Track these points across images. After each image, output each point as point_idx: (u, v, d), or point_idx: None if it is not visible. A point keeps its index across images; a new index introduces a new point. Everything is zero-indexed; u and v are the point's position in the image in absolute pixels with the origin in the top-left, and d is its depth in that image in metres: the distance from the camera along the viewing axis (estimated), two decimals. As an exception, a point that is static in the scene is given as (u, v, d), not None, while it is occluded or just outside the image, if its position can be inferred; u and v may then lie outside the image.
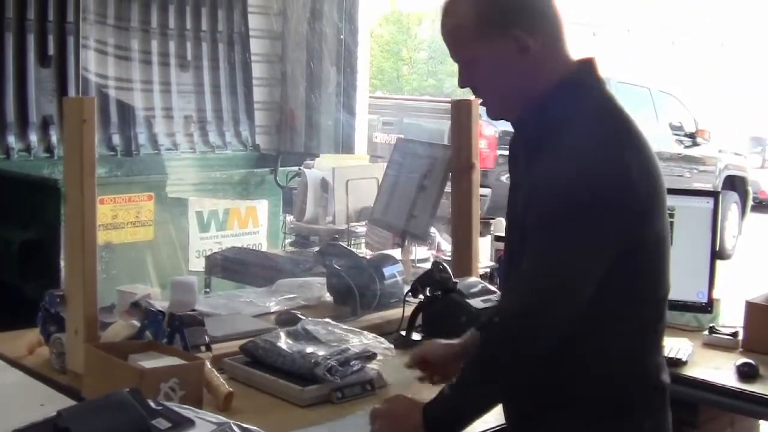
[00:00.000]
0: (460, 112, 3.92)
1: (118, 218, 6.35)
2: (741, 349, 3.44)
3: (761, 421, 3.79)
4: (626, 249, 2.23)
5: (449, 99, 5.85)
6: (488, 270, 4.16)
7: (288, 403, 2.74)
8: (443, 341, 2.75)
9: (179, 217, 6.72)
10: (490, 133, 9.93)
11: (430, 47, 31.23)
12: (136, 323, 2.93)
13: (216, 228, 6.94)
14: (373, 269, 3.73)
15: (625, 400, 2.32)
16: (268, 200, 7.12)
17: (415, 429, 2.29)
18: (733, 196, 13.20)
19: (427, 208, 4.09)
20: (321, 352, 2.83)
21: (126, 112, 7.90)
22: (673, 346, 3.33)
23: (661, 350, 2.42)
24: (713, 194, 3.70)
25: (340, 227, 5.00)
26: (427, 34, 31.55)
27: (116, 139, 7.81)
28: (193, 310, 2.95)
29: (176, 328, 2.81)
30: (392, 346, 3.07)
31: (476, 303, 3.32)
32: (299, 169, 5.59)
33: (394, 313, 3.56)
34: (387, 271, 3.75)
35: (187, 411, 2.11)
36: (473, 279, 3.66)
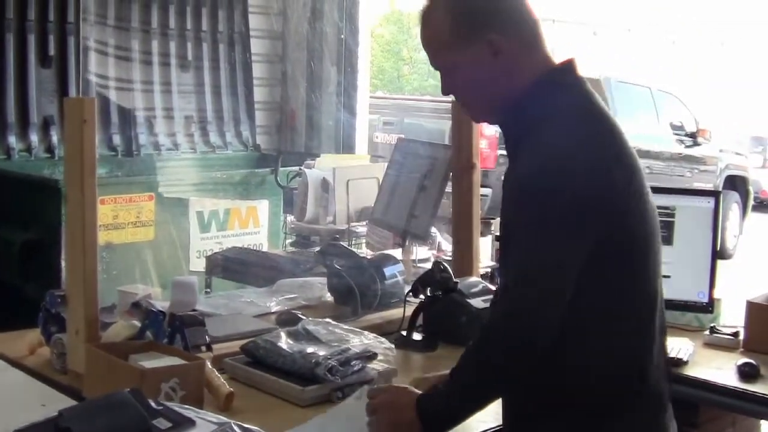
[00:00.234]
0: (461, 112, 3.91)
1: (119, 218, 6.35)
2: (742, 349, 3.44)
3: (762, 421, 3.79)
4: (608, 246, 2.23)
5: (450, 99, 5.85)
6: (489, 270, 4.16)
7: (288, 403, 2.74)
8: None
9: (180, 217, 6.72)
10: (490, 132, 9.93)
11: (431, 47, 31.17)
12: (137, 323, 2.93)
13: (217, 228, 6.94)
14: (373, 269, 3.73)
15: (614, 402, 2.31)
16: (268, 200, 7.13)
17: (411, 422, 2.30)
18: (734, 195, 13.20)
19: (427, 208, 4.09)
20: (322, 352, 2.83)
21: (126, 112, 7.91)
22: (674, 345, 3.33)
23: (657, 354, 2.39)
24: (714, 194, 3.69)
25: (341, 227, 5.00)
26: (427, 34, 31.49)
27: (117, 139, 7.82)
28: (194, 310, 2.95)
29: (177, 328, 2.81)
30: (393, 346, 3.08)
31: (477, 303, 3.33)
32: (300, 169, 5.60)
33: (395, 313, 3.55)
34: (388, 271, 3.75)
35: (187, 411, 2.11)
36: (474, 279, 3.66)
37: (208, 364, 2.70)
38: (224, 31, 8.63)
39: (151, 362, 2.59)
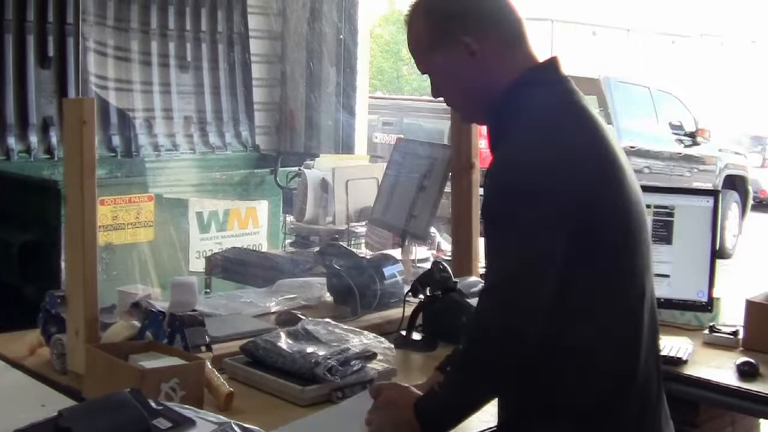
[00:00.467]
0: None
1: (119, 219, 6.35)
2: (741, 348, 3.44)
3: (762, 420, 3.79)
4: (584, 241, 2.23)
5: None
6: (488, 269, 4.15)
7: (288, 403, 2.74)
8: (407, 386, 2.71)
9: (179, 217, 6.72)
10: (489, 133, 9.92)
11: (430, 47, 31.17)
12: (137, 324, 2.93)
13: (216, 228, 6.94)
14: (373, 269, 3.73)
15: (601, 403, 2.31)
16: (268, 201, 7.13)
17: (410, 423, 2.32)
18: (734, 195, 13.20)
19: (427, 208, 4.09)
20: (321, 352, 2.83)
21: (126, 113, 7.90)
22: (674, 345, 3.33)
23: (647, 354, 2.38)
24: (713, 193, 3.69)
25: (340, 227, 5.00)
26: (426, 35, 31.49)
27: (116, 140, 7.81)
28: (194, 311, 2.95)
29: (177, 328, 2.81)
30: (392, 345, 3.08)
31: (476, 302, 3.32)
32: (299, 169, 5.60)
33: (395, 312, 3.55)
34: (387, 271, 3.75)
35: (187, 411, 2.11)
36: (473, 278, 3.66)
37: (208, 364, 2.70)
38: (223, 32, 8.63)
39: (151, 362, 2.59)
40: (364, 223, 4.91)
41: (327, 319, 3.19)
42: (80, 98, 6.57)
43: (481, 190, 4.01)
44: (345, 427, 2.51)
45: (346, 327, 3.13)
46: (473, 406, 2.33)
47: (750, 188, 13.90)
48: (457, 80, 2.43)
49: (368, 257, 4.01)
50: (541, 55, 2.43)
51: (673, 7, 26.43)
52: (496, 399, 2.44)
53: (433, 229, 4.53)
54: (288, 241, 5.45)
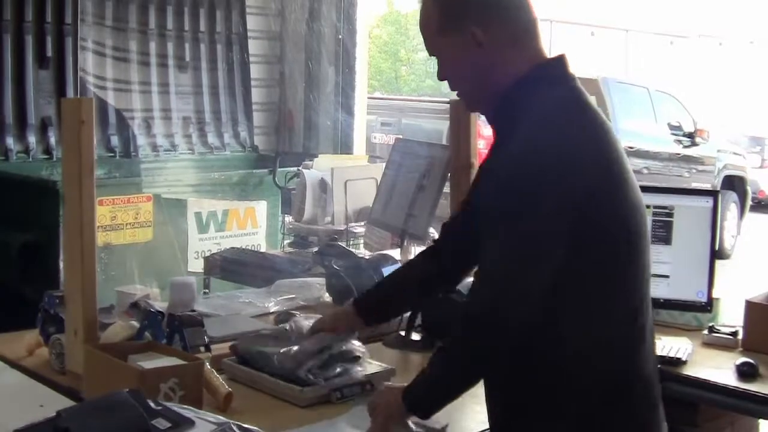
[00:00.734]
0: (459, 112, 3.92)
1: (117, 219, 6.35)
2: (741, 349, 3.44)
3: (761, 420, 3.79)
4: (585, 242, 2.23)
5: (447, 99, 5.85)
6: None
7: (287, 404, 2.74)
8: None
9: (178, 218, 6.72)
10: (488, 133, 9.89)
11: (429, 48, 31.19)
12: (136, 324, 2.93)
13: (215, 229, 6.94)
14: (372, 269, 3.72)
15: (600, 403, 2.31)
16: (266, 201, 7.13)
17: (396, 403, 2.38)
18: (732, 195, 13.20)
19: (425, 208, 4.09)
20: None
21: (124, 113, 7.90)
22: (673, 345, 3.33)
23: (646, 355, 2.39)
24: (713, 193, 3.69)
25: (339, 227, 5.00)
26: (425, 35, 31.50)
27: (115, 140, 7.81)
28: (193, 311, 2.95)
29: (175, 328, 2.81)
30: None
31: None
32: (298, 169, 5.60)
33: (394, 313, 3.55)
34: (386, 271, 3.74)
35: (186, 411, 2.10)
36: (472, 279, 3.65)
37: (207, 364, 2.70)
38: (222, 32, 8.63)
39: (150, 363, 2.59)
40: (362, 223, 4.91)
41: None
42: (78, 98, 6.57)
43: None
44: None
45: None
46: (459, 388, 2.35)
47: (749, 189, 13.90)
48: (462, 68, 2.44)
49: (367, 257, 4.01)
50: (547, 51, 2.44)
51: (672, 8, 26.43)
52: (486, 399, 2.45)
53: (431, 230, 4.53)
54: (287, 241, 5.45)
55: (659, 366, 2.52)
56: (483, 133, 9.59)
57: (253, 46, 8.91)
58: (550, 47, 2.44)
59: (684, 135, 12.91)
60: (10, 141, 7.16)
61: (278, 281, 4.08)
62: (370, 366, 2.96)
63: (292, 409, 2.71)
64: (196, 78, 8.46)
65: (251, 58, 8.85)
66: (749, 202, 13.97)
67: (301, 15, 9.03)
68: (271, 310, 3.71)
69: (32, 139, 7.27)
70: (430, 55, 2.52)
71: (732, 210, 13.12)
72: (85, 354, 2.72)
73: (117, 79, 7.89)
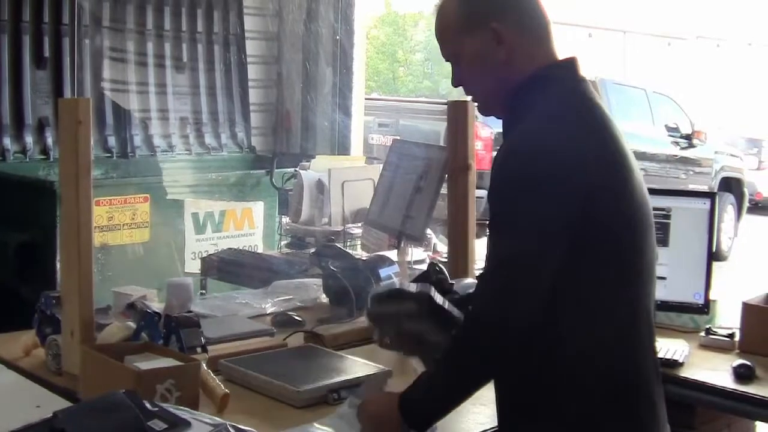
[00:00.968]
0: (456, 114, 3.92)
1: (114, 220, 6.35)
2: (738, 351, 3.44)
3: (758, 423, 3.79)
4: (586, 241, 2.24)
5: (445, 100, 5.85)
6: (485, 271, 4.14)
7: (284, 404, 2.74)
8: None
9: (175, 218, 6.72)
10: (485, 134, 9.94)
11: (426, 49, 31.32)
12: (132, 325, 2.93)
13: (212, 229, 6.94)
14: (369, 270, 3.72)
15: (600, 405, 2.31)
16: (263, 202, 7.13)
17: (392, 413, 2.35)
18: (729, 197, 13.21)
19: (423, 210, 4.08)
20: None
21: (122, 113, 7.89)
22: (670, 347, 3.33)
23: (646, 356, 2.39)
24: (710, 195, 3.70)
25: (336, 229, 5.00)
26: (422, 36, 31.62)
27: (112, 140, 7.80)
28: (189, 312, 2.95)
29: (172, 329, 2.81)
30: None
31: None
32: (295, 170, 5.60)
33: (391, 314, 3.54)
34: (383, 272, 3.75)
35: (183, 412, 2.10)
36: (470, 280, 3.64)
37: (204, 365, 2.70)
38: (219, 33, 8.62)
39: (147, 363, 2.59)
40: (359, 224, 4.91)
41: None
42: (76, 98, 6.57)
43: (477, 192, 4.02)
44: None
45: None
46: (460, 394, 2.34)
47: (746, 190, 13.90)
48: (480, 67, 2.44)
49: (364, 258, 4.01)
50: (561, 53, 2.46)
51: (669, 10, 26.45)
52: (496, 399, 2.44)
53: (429, 231, 4.53)
54: (284, 242, 5.45)
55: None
56: (480, 134, 9.63)
57: (251, 47, 8.90)
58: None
59: (681, 137, 12.93)
60: (7, 141, 7.15)
61: (275, 282, 4.08)
62: (367, 367, 2.96)
63: (288, 410, 2.71)
64: (193, 78, 8.45)
65: (249, 59, 8.84)
66: (746, 204, 13.97)
67: (299, 16, 9.02)
68: (268, 311, 3.72)
69: (29, 139, 7.26)
70: (447, 60, 2.53)
71: (729, 212, 13.13)
72: (81, 355, 2.72)
73: (114, 79, 7.88)
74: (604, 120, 2.36)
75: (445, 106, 4.08)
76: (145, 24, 8.06)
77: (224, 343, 3.16)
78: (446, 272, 3.42)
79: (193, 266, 6.27)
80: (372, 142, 11.16)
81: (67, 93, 7.30)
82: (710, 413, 3.40)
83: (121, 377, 2.49)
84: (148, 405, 2.06)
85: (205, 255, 5.67)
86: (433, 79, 30.49)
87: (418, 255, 4.49)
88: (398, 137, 7.92)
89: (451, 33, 2.47)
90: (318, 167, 5.46)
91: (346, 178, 5.00)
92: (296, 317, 3.60)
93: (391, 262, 3.86)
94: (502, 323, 2.21)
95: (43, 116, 7.35)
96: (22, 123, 7.24)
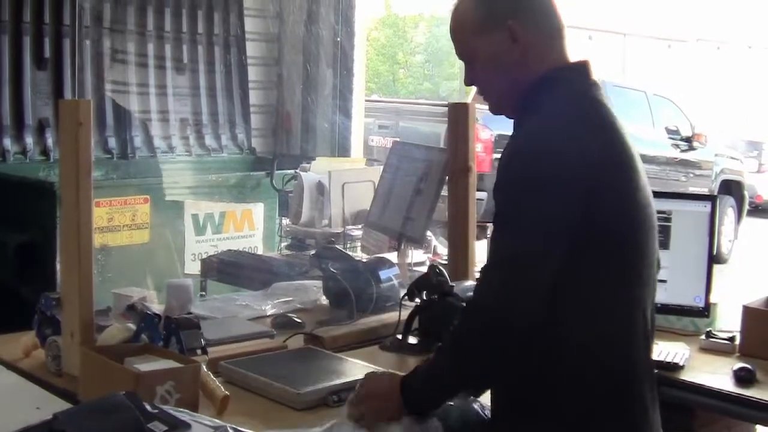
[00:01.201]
0: (457, 116, 3.92)
1: (114, 221, 6.34)
2: (738, 354, 3.44)
3: (758, 426, 3.78)
4: (588, 241, 2.24)
5: (445, 102, 5.85)
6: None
7: (284, 407, 2.74)
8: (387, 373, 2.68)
9: (175, 220, 6.72)
10: (486, 136, 9.93)
11: (426, 51, 31.33)
12: (132, 326, 2.93)
13: (212, 231, 6.94)
14: (369, 272, 3.72)
15: (593, 404, 2.31)
16: (264, 203, 7.12)
17: (396, 404, 2.37)
18: (729, 200, 13.21)
19: (423, 212, 4.09)
20: None
21: (122, 114, 7.89)
22: (670, 350, 3.33)
23: (642, 357, 2.40)
24: (711, 198, 3.70)
25: (336, 230, 5.00)
26: (423, 38, 31.63)
27: (112, 142, 7.80)
28: (189, 313, 2.95)
29: (172, 331, 2.81)
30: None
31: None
32: (295, 172, 5.59)
33: (391, 316, 3.55)
34: (383, 274, 3.75)
35: (183, 414, 2.10)
36: (470, 283, 3.65)
37: (204, 367, 2.69)
38: (220, 34, 8.62)
39: (147, 365, 2.59)
40: (360, 226, 4.91)
41: None
42: (76, 99, 6.57)
43: (477, 194, 4.02)
44: None
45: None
46: (460, 383, 2.37)
47: (746, 193, 13.90)
48: (495, 67, 2.45)
49: (364, 260, 4.01)
50: (573, 56, 2.48)
51: (670, 12, 26.43)
52: (491, 396, 2.44)
53: (429, 233, 4.53)
54: (284, 243, 5.44)
55: (656, 371, 2.52)
56: (481, 136, 9.62)
57: (251, 49, 8.90)
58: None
59: (681, 139, 12.92)
60: (7, 142, 7.15)
61: (275, 284, 4.08)
62: (367, 369, 2.96)
63: (288, 412, 2.71)
64: (193, 80, 8.45)
65: (249, 60, 8.84)
66: (746, 207, 13.96)
67: (299, 17, 9.02)
68: (268, 313, 3.71)
69: (29, 140, 7.26)
70: (460, 58, 2.54)
71: (729, 215, 13.12)
72: (81, 356, 2.72)
73: (115, 80, 7.88)
74: (612, 121, 2.37)
75: (446, 108, 4.08)
76: (145, 25, 8.06)
77: (224, 344, 3.16)
78: (446, 274, 3.43)
79: (193, 268, 6.26)
80: (372, 143, 11.15)
81: (68, 94, 7.30)
82: (710, 416, 3.39)
83: (121, 379, 2.48)
84: (148, 407, 2.06)
85: (205, 256, 5.66)
86: (433, 81, 30.50)
87: (418, 257, 4.48)
88: (398, 139, 7.92)
89: (468, 32, 2.48)
90: (318, 169, 5.45)
91: (347, 179, 5.00)
92: (296, 319, 3.60)
93: (391, 264, 3.86)
94: (502, 322, 2.22)
95: (44, 117, 7.35)
96: (22, 124, 7.24)
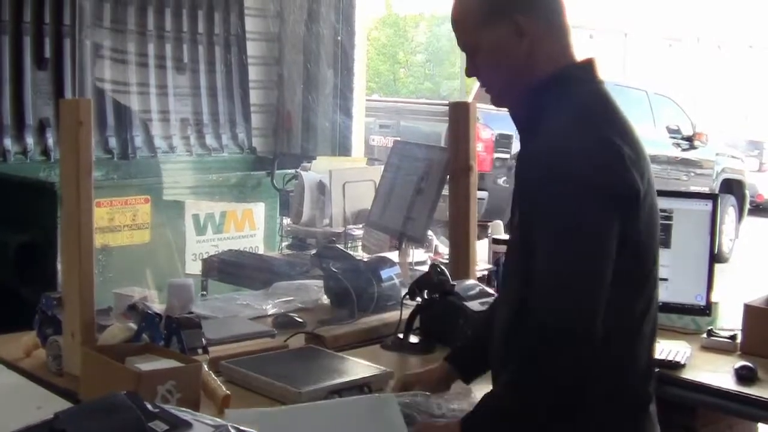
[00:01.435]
0: (458, 115, 3.92)
1: (115, 221, 6.35)
2: (739, 352, 3.43)
3: (760, 424, 3.78)
4: (624, 236, 2.23)
5: (446, 102, 5.84)
6: (486, 273, 4.15)
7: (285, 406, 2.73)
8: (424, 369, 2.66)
9: (176, 219, 6.72)
10: (486, 136, 9.92)
11: (427, 50, 31.34)
12: (133, 326, 2.92)
13: (213, 231, 6.94)
14: (370, 272, 3.72)
15: (593, 402, 2.30)
16: (264, 203, 7.12)
17: None
18: (730, 199, 13.21)
19: (424, 211, 4.08)
20: None
21: (122, 114, 7.90)
22: (672, 349, 3.32)
23: (645, 356, 2.39)
24: (712, 197, 3.69)
25: (337, 230, 5.00)
26: (423, 37, 31.63)
27: (113, 141, 7.80)
28: (190, 313, 2.94)
29: (173, 330, 2.81)
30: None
31: (474, 306, 3.32)
32: (296, 171, 5.58)
33: (392, 315, 3.54)
34: (384, 273, 3.74)
35: (184, 413, 2.10)
36: (471, 282, 3.65)
37: (205, 366, 2.69)
38: (220, 34, 8.62)
39: (148, 365, 2.58)
40: (361, 225, 4.90)
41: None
42: (77, 99, 6.56)
43: (478, 193, 4.02)
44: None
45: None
46: (530, 418, 2.25)
47: (747, 192, 13.90)
48: (499, 59, 2.41)
49: (365, 260, 4.00)
50: (578, 54, 2.46)
51: (671, 11, 26.45)
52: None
53: (430, 232, 4.53)
54: (285, 243, 5.44)
55: (658, 369, 2.52)
56: (482, 136, 9.61)
57: (252, 48, 8.90)
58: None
59: (682, 138, 12.93)
60: (7, 142, 7.16)
61: (276, 283, 4.08)
62: (368, 368, 2.96)
63: (289, 411, 2.70)
64: (194, 80, 8.45)
65: (249, 60, 8.84)
66: (747, 206, 13.97)
67: (300, 17, 9.02)
68: (269, 313, 3.71)
69: (30, 140, 7.26)
70: (462, 49, 2.51)
71: (730, 214, 13.13)
72: (82, 356, 2.71)
73: (115, 80, 7.88)
74: (625, 122, 2.38)
75: (446, 108, 4.08)
76: (146, 25, 8.06)
77: (225, 344, 3.16)
78: (447, 273, 3.43)
79: (194, 267, 6.26)
80: (373, 143, 11.15)
81: (68, 94, 7.30)
82: (712, 415, 3.39)
83: (122, 378, 2.48)
84: (149, 406, 2.06)
85: (205, 256, 5.66)
86: (434, 81, 30.52)
87: (419, 256, 4.48)
88: (399, 138, 7.91)
89: (471, 22, 2.42)
90: (319, 168, 5.45)
91: (347, 179, 5.00)
92: (297, 318, 3.59)
93: (392, 264, 3.86)
94: (583, 332, 2.15)
95: (44, 117, 7.35)
96: (22, 124, 7.24)
